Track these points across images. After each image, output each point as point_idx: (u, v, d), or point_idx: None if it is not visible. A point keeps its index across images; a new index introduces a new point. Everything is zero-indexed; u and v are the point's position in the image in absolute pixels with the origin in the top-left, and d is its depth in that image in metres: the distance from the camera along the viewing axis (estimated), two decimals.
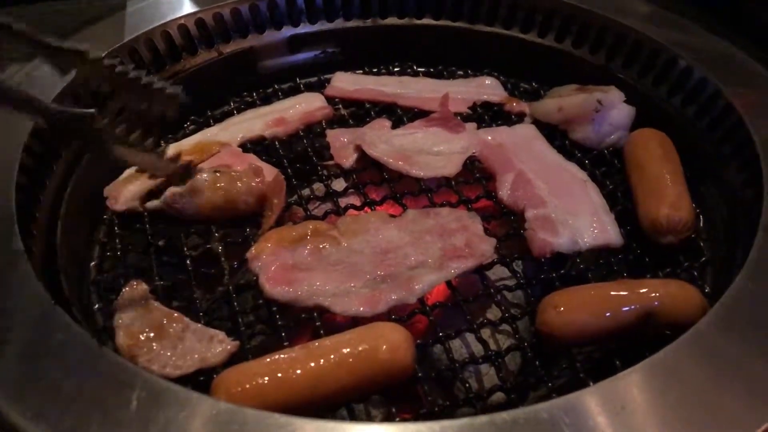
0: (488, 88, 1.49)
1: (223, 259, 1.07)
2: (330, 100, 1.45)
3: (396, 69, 1.60)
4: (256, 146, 1.32)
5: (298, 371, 0.82)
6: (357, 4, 1.56)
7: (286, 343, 0.94)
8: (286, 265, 1.02)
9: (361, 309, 0.95)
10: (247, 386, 0.81)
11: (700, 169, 1.22)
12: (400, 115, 1.42)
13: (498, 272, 1.09)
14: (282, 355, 0.85)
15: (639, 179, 1.17)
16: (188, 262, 1.08)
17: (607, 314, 0.92)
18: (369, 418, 0.96)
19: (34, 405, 0.73)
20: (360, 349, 0.84)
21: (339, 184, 1.26)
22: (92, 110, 0.85)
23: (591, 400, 0.73)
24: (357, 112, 1.45)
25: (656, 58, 1.35)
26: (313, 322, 0.97)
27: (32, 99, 0.81)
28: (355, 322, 0.95)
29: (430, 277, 0.99)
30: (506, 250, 1.09)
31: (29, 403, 0.73)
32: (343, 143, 1.30)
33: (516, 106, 1.43)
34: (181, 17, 1.41)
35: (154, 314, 0.98)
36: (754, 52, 1.28)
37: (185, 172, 1.01)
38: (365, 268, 1.02)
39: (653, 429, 0.71)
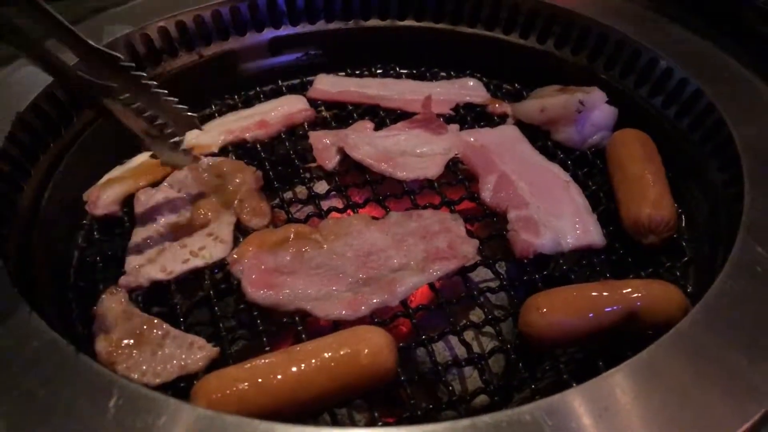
0: (471, 90, 1.49)
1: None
2: (312, 102, 1.45)
3: (378, 71, 1.60)
4: (238, 149, 1.31)
5: (279, 376, 0.81)
6: (339, 5, 1.55)
7: (267, 348, 0.93)
8: (268, 268, 1.01)
9: (343, 313, 0.94)
10: (228, 392, 0.79)
11: (682, 169, 1.22)
12: (383, 116, 1.42)
13: (481, 274, 1.09)
14: (262, 360, 0.84)
15: (621, 180, 1.17)
16: None
17: (590, 315, 0.92)
18: (352, 423, 0.95)
19: (9, 415, 0.72)
20: (341, 353, 0.83)
21: (321, 187, 1.25)
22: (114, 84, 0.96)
23: (574, 401, 0.73)
24: (339, 114, 1.45)
25: (638, 59, 1.35)
26: (295, 326, 0.96)
27: (63, 64, 0.92)
28: (337, 326, 0.94)
29: (412, 279, 0.98)
30: (489, 251, 1.09)
31: (3, 413, 0.72)
32: (325, 145, 1.30)
33: (498, 107, 1.43)
34: (161, 19, 1.40)
35: (134, 320, 0.97)
36: (754, 65, 1.28)
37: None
38: (347, 270, 1.01)
39: (637, 429, 0.71)
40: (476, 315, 1.05)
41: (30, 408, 0.72)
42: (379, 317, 0.97)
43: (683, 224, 1.18)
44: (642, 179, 1.14)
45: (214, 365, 0.91)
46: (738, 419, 0.72)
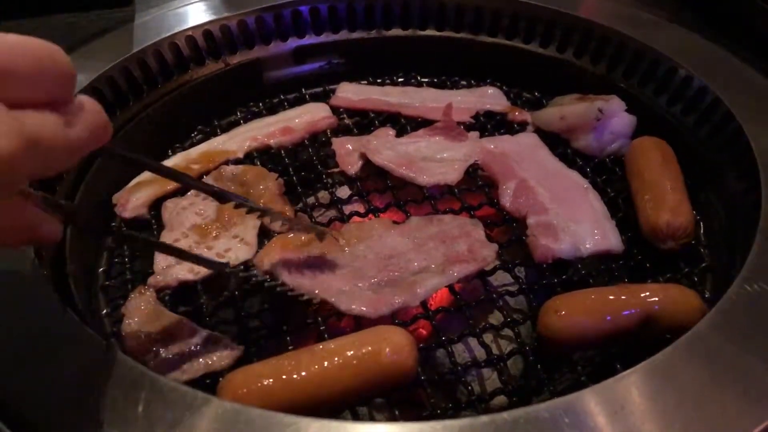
0: (491, 98, 1.51)
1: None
2: (335, 110, 1.47)
3: (400, 79, 1.62)
4: (263, 155, 1.35)
5: (303, 373, 0.83)
6: (361, 15, 1.58)
7: (290, 347, 0.96)
8: (293, 267, 1.04)
9: (364, 309, 0.96)
10: (252, 387, 0.82)
11: (700, 176, 1.23)
12: (404, 124, 1.44)
13: (500, 278, 1.11)
14: (286, 358, 0.86)
15: (640, 186, 1.18)
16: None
17: (608, 318, 0.93)
18: (372, 421, 0.97)
19: (45, 405, 0.75)
20: (363, 351, 0.85)
21: (343, 192, 1.27)
22: None
23: (590, 400, 0.74)
24: (361, 121, 1.47)
25: (656, 67, 1.36)
26: (317, 326, 0.99)
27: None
28: (359, 326, 0.97)
29: (432, 281, 1.00)
30: (508, 256, 1.11)
31: (40, 404, 0.75)
32: (348, 150, 1.32)
33: (518, 115, 1.45)
34: (188, 29, 1.44)
35: (162, 319, 1.00)
36: (755, 63, 1.29)
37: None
38: (369, 272, 1.03)
39: (652, 429, 0.72)
40: (495, 318, 1.06)
41: (69, 400, 0.75)
42: (400, 318, 0.99)
43: (701, 231, 1.19)
44: (660, 186, 1.15)
45: (238, 364, 0.93)
46: (752, 422, 0.73)
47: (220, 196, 0.95)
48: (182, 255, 0.94)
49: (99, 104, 0.64)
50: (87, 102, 0.63)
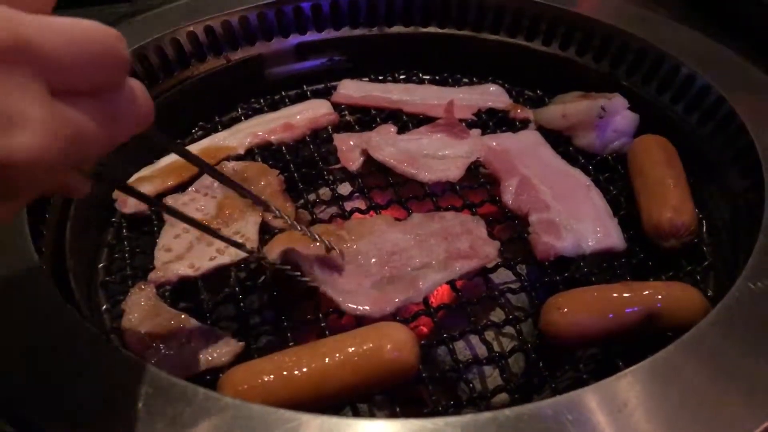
0: (493, 95, 1.50)
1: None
2: (336, 106, 1.47)
3: (402, 76, 1.61)
4: (264, 151, 1.34)
5: (304, 369, 0.82)
6: (363, 12, 1.58)
7: (291, 344, 0.95)
8: (300, 258, 1.03)
9: (368, 309, 0.96)
10: (253, 384, 0.81)
11: (703, 174, 1.23)
12: (406, 121, 1.44)
13: (502, 275, 1.10)
14: (287, 354, 0.86)
15: (642, 184, 1.18)
16: None
17: (610, 315, 0.93)
18: (373, 418, 0.97)
19: (44, 403, 0.74)
20: (365, 348, 0.85)
21: (345, 189, 1.27)
22: None
23: (594, 397, 0.74)
24: (363, 118, 1.47)
25: (659, 65, 1.36)
26: (318, 323, 0.99)
27: None
28: (360, 322, 0.96)
29: (434, 277, 1.00)
30: (510, 253, 1.10)
31: (39, 402, 0.75)
32: (350, 146, 1.32)
33: (520, 112, 1.45)
34: (189, 24, 1.43)
35: (162, 315, 1.00)
36: (759, 60, 1.29)
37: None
38: (372, 269, 1.03)
39: (655, 426, 0.71)
40: (497, 315, 1.06)
41: (69, 396, 0.75)
42: (401, 315, 0.99)
43: (704, 229, 1.18)
44: (663, 184, 1.14)
45: (238, 360, 0.93)
46: (755, 420, 0.72)
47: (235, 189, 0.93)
48: (214, 234, 0.92)
49: (145, 88, 0.59)
50: (137, 87, 0.58)
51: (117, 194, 1.22)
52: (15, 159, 0.46)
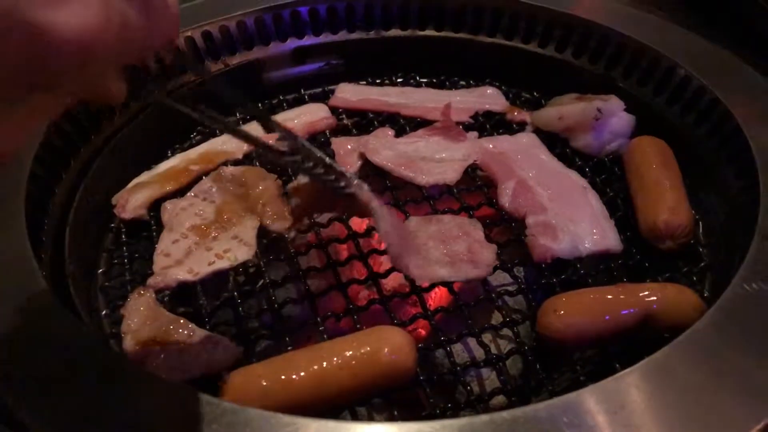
0: (489, 98, 1.51)
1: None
2: (334, 110, 1.47)
3: (399, 80, 1.62)
4: (261, 155, 1.34)
5: (302, 373, 0.83)
6: (360, 16, 1.58)
7: (290, 348, 0.96)
8: None
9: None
10: (251, 388, 0.82)
11: (699, 175, 1.23)
12: (403, 124, 1.44)
13: (499, 278, 1.11)
14: (286, 358, 0.86)
15: (638, 186, 1.18)
16: None
17: (607, 317, 0.93)
18: (371, 421, 0.97)
19: (43, 407, 0.75)
20: (362, 351, 0.85)
21: None
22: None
23: (590, 399, 0.74)
24: (360, 122, 1.47)
25: (655, 67, 1.36)
26: (316, 327, 0.99)
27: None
28: (357, 326, 0.97)
29: (439, 272, 1.01)
30: (507, 256, 1.11)
31: (38, 406, 0.75)
32: (347, 150, 1.33)
33: (517, 115, 1.45)
34: (187, 29, 1.44)
35: (161, 320, 1.00)
36: (754, 62, 1.29)
37: None
38: None
39: (651, 427, 0.72)
40: (494, 318, 1.06)
41: (67, 400, 0.75)
42: (399, 319, 0.99)
43: (700, 230, 1.19)
44: (659, 185, 1.15)
45: (237, 365, 0.93)
46: (751, 420, 0.73)
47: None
48: (254, 141, 0.88)
49: None
50: None
51: (116, 199, 1.22)
52: (68, 35, 0.45)
